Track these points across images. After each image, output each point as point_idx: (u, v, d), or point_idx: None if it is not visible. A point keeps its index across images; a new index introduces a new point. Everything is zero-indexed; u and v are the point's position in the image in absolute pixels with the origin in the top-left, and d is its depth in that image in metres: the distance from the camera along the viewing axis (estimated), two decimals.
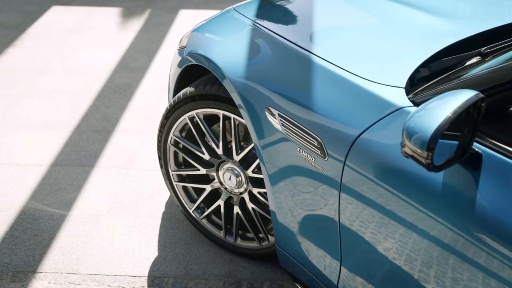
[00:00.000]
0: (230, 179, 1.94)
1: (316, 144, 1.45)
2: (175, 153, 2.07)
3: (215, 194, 2.09)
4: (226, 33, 1.90)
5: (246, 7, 1.96)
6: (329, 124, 1.42)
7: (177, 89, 2.14)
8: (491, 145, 1.15)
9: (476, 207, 1.11)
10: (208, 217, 2.14)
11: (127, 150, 2.75)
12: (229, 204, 2.05)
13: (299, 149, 1.51)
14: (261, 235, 2.00)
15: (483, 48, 1.49)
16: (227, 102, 1.79)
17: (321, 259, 1.60)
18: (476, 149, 1.15)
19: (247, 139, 1.94)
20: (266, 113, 1.59)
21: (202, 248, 2.17)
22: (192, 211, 2.14)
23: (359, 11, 1.84)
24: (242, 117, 1.77)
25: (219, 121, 1.89)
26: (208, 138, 1.94)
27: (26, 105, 3.12)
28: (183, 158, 2.09)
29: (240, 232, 2.07)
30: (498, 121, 1.21)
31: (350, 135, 1.37)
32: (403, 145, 1.09)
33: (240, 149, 1.86)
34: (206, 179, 2.10)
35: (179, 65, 2.05)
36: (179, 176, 2.11)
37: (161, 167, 2.14)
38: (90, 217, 2.32)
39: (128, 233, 2.24)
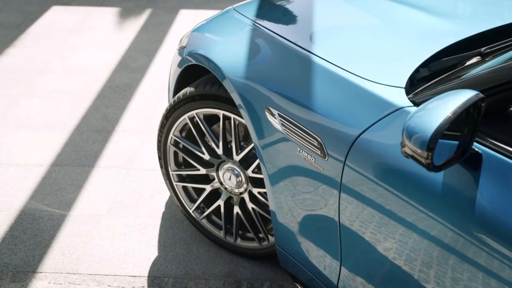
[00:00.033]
0: (230, 179, 1.94)
1: (316, 144, 1.45)
2: (175, 153, 2.07)
3: (215, 194, 2.09)
4: (226, 33, 1.90)
5: (246, 7, 1.96)
6: (329, 124, 1.42)
7: (177, 89, 2.14)
8: (491, 145, 1.15)
9: (476, 207, 1.11)
10: (208, 217, 2.14)
11: (127, 150, 2.75)
12: (229, 204, 2.05)
13: (299, 149, 1.51)
14: (261, 235, 2.00)
15: (483, 48, 1.49)
16: (227, 102, 1.79)
17: (321, 259, 1.60)
18: (476, 149, 1.15)
19: (247, 139, 1.94)
20: (266, 113, 1.59)
21: (202, 248, 2.17)
22: (192, 211, 2.14)
23: (359, 11, 1.84)
24: (242, 117, 1.77)
25: (219, 121, 1.89)
26: (208, 138, 1.94)
27: (26, 105, 3.12)
28: (183, 158, 2.09)
29: (240, 232, 2.07)
30: (498, 121, 1.21)
31: (350, 135, 1.37)
32: (403, 145, 1.09)
33: (240, 149, 1.86)
34: (206, 179, 2.10)
35: (179, 65, 2.05)
36: (179, 176, 2.11)
37: (161, 167, 2.14)
38: (90, 217, 2.32)
39: (128, 233, 2.24)
